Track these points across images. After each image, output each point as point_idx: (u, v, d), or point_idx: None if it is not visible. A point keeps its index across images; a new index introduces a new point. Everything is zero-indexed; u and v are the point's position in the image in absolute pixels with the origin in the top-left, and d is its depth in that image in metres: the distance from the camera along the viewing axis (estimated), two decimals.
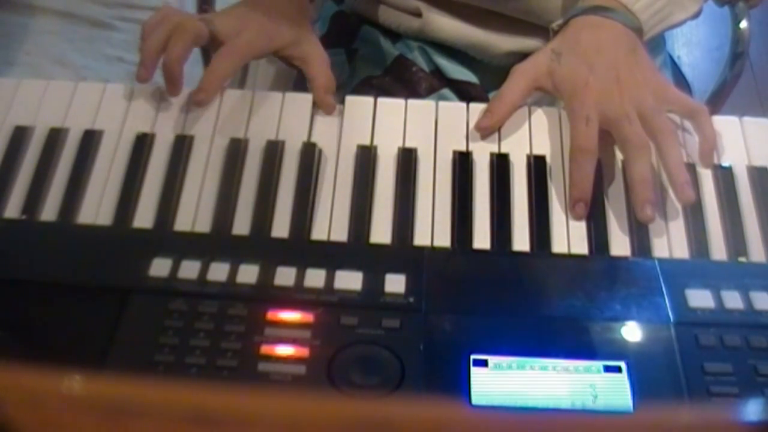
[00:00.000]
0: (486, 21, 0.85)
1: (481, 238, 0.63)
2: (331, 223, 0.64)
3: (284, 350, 0.54)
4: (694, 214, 0.64)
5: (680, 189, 0.63)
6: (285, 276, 0.59)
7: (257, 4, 0.75)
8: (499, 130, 0.69)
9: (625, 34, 0.70)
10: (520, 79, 0.71)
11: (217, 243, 0.62)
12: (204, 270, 0.59)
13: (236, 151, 0.67)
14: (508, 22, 0.84)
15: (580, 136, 0.65)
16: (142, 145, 0.67)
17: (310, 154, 0.67)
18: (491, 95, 0.88)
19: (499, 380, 0.53)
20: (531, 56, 0.72)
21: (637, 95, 0.66)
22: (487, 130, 0.69)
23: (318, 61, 0.75)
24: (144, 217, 0.64)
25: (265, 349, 0.54)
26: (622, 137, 0.64)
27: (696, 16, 0.77)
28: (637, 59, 0.69)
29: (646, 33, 0.72)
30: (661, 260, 0.61)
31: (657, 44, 0.93)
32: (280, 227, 0.63)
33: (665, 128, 0.64)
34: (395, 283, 0.58)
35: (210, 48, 0.73)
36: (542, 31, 0.86)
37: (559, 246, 0.63)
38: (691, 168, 0.66)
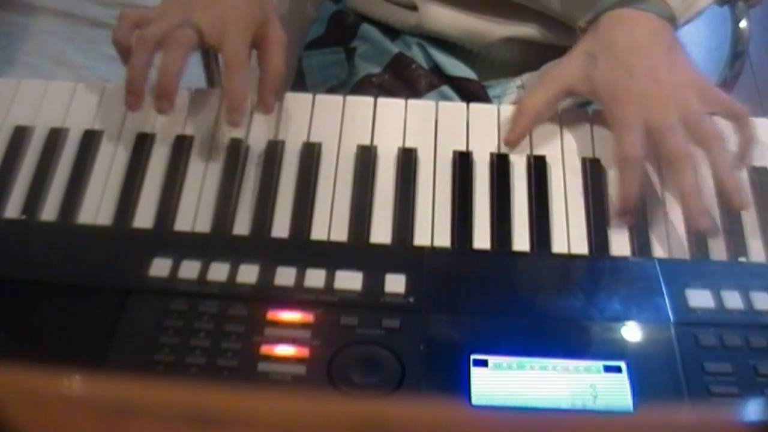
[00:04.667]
0: (481, 8, 0.85)
1: (481, 238, 0.63)
2: (331, 223, 0.64)
3: (284, 350, 0.54)
4: None
5: (733, 196, 0.62)
6: (285, 276, 0.59)
7: None
8: (498, 130, 0.69)
9: (660, 28, 0.67)
10: (548, 85, 0.68)
11: (217, 243, 0.62)
12: (204, 270, 0.59)
13: (236, 151, 0.67)
14: (502, 8, 0.85)
15: (625, 144, 0.63)
16: (142, 145, 0.67)
17: (310, 154, 0.67)
18: (489, 90, 0.89)
19: (499, 380, 0.53)
20: (563, 60, 0.70)
21: (679, 98, 0.64)
22: (512, 144, 0.67)
23: (275, 46, 0.69)
24: (144, 217, 0.64)
25: (265, 349, 0.54)
26: (666, 148, 0.62)
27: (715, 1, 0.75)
28: (676, 57, 0.66)
29: (678, 21, 0.70)
30: (661, 260, 0.61)
31: None
32: (280, 227, 0.63)
33: (712, 133, 0.63)
34: (395, 283, 0.58)
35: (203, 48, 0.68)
36: (537, 16, 0.86)
37: (559, 246, 0.63)
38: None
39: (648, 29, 0.67)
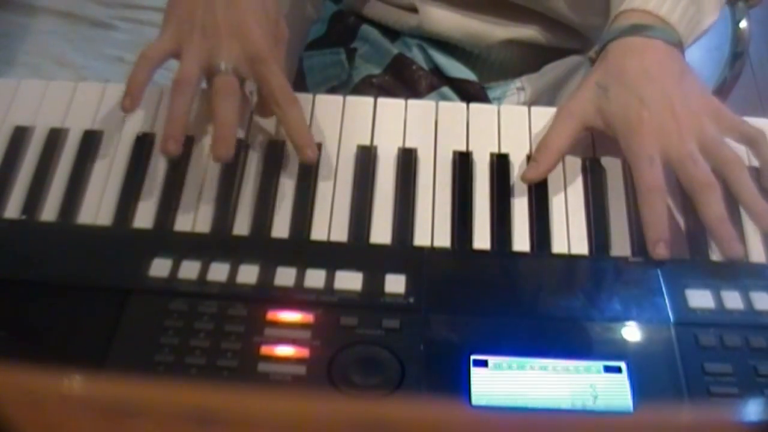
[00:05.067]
0: (481, 10, 0.85)
1: (481, 238, 0.63)
2: (331, 223, 0.64)
3: (284, 351, 0.54)
4: (694, 215, 0.64)
5: (761, 219, 0.61)
6: (285, 276, 0.59)
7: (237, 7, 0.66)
8: (498, 130, 0.69)
9: (669, 54, 0.66)
10: (567, 122, 0.66)
11: (217, 243, 0.62)
12: (204, 270, 0.59)
13: (236, 151, 0.67)
14: (502, 9, 0.85)
15: (646, 176, 0.61)
16: (142, 145, 0.67)
17: None
18: (489, 91, 0.89)
19: (499, 380, 0.53)
20: (575, 93, 0.68)
21: (696, 125, 0.63)
22: (532, 182, 0.65)
23: (281, 44, 0.69)
24: (144, 217, 0.64)
25: (265, 349, 0.54)
26: (688, 179, 0.61)
27: (716, 19, 0.74)
28: (688, 83, 0.65)
29: (685, 44, 0.68)
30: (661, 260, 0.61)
31: None
32: (280, 227, 0.63)
33: (732, 158, 0.62)
34: (395, 283, 0.58)
35: None
36: (538, 18, 0.86)
37: (559, 246, 0.63)
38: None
39: (657, 57, 0.66)
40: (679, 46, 0.67)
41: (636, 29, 0.67)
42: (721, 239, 0.61)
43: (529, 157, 0.67)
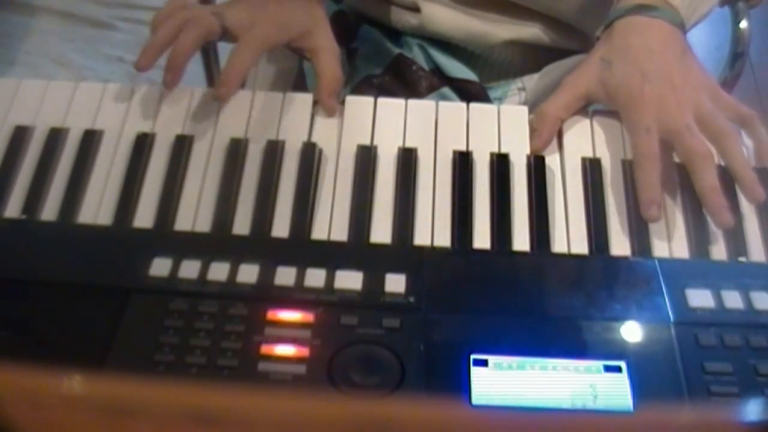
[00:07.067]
0: (483, 10, 0.86)
1: (481, 238, 0.63)
2: (331, 223, 0.64)
3: (284, 350, 0.54)
4: (695, 214, 0.64)
5: (750, 189, 0.63)
6: (285, 276, 0.59)
7: None
8: (498, 129, 0.69)
9: (672, 34, 0.69)
10: (567, 91, 0.69)
11: (217, 243, 0.62)
12: (204, 270, 0.59)
13: (236, 151, 0.67)
14: (505, 10, 0.85)
15: (642, 144, 0.64)
16: (142, 145, 0.67)
17: (310, 154, 0.67)
18: (490, 91, 0.89)
19: (499, 380, 0.53)
20: (579, 66, 0.71)
21: (694, 99, 0.65)
22: (539, 151, 0.68)
23: (327, 55, 0.73)
24: (144, 217, 0.64)
25: (265, 348, 0.54)
26: (684, 148, 0.63)
27: (717, 4, 0.77)
28: (689, 61, 0.68)
29: (686, 26, 0.71)
30: (661, 260, 0.61)
31: None
32: (280, 227, 0.63)
33: (726, 130, 0.64)
34: (395, 283, 0.58)
35: (226, 41, 0.72)
36: (540, 18, 0.87)
37: (559, 246, 0.63)
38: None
39: (661, 35, 0.68)
40: (681, 27, 0.70)
41: (641, 9, 0.70)
42: (712, 208, 0.62)
43: (528, 157, 0.67)
